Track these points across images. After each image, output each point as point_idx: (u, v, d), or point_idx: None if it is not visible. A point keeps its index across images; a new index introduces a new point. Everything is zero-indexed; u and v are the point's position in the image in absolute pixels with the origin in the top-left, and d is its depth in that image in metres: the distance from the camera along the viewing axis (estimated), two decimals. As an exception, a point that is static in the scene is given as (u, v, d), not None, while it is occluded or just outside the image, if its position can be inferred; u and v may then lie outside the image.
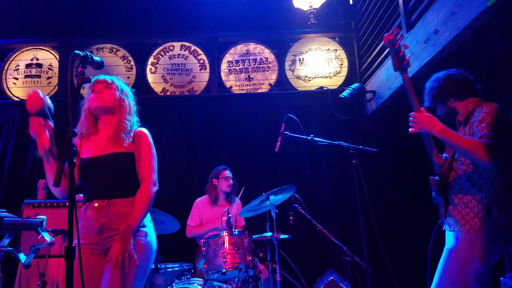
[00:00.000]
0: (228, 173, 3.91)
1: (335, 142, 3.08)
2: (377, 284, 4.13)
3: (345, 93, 4.56)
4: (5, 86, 4.98)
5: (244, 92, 5.04)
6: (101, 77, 2.18)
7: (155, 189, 2.08)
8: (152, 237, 2.07)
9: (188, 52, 5.16)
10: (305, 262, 4.21)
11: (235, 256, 3.01)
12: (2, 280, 3.51)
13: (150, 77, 5.04)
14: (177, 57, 5.14)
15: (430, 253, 2.39)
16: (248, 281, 3.25)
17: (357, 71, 5.09)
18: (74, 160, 1.62)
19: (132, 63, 5.08)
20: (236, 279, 3.17)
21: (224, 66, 5.13)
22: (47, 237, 2.02)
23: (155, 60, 5.11)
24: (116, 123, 2.12)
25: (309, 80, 5.14)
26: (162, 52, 5.15)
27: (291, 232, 3.42)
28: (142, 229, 2.01)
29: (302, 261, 4.11)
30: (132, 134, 2.14)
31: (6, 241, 1.95)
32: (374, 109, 4.57)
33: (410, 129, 2.22)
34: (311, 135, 3.19)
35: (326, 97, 4.77)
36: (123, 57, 5.10)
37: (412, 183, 4.29)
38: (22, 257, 1.95)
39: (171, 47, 5.16)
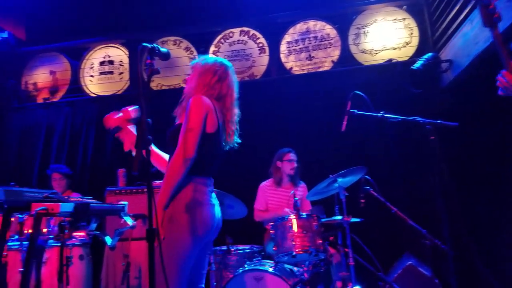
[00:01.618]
0: (292, 155, 3.87)
1: (409, 118, 2.83)
2: (461, 269, 3.83)
3: (417, 64, 4.21)
4: (83, 83, 5.35)
5: (305, 72, 4.89)
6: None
7: (181, 159, 1.92)
8: (185, 212, 1.94)
9: (247, 37, 5.13)
10: (379, 246, 4.01)
11: (304, 239, 3.00)
12: (92, 260, 3.85)
13: (212, 66, 5.09)
14: (237, 43, 5.13)
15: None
16: (319, 264, 3.23)
17: (429, 39, 4.68)
18: (149, 149, 1.68)
19: (195, 53, 5.17)
20: (307, 262, 3.16)
21: (283, 47, 5.02)
22: (129, 221, 2.12)
23: (216, 49, 5.15)
24: None
25: (376, 54, 4.84)
26: (222, 40, 5.17)
27: (362, 215, 3.28)
28: (174, 202, 1.95)
29: (375, 245, 3.91)
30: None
31: (93, 225, 2.08)
32: (451, 80, 4.17)
33: (499, 92, 1.95)
34: (381, 112, 2.97)
35: (395, 70, 4.46)
36: (186, 48, 5.22)
37: (497, 160, 3.88)
38: (108, 240, 2.07)
39: (231, 34, 5.17)
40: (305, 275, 3.09)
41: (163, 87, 5.10)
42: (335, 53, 4.89)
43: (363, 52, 4.87)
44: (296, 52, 5.00)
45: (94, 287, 3.81)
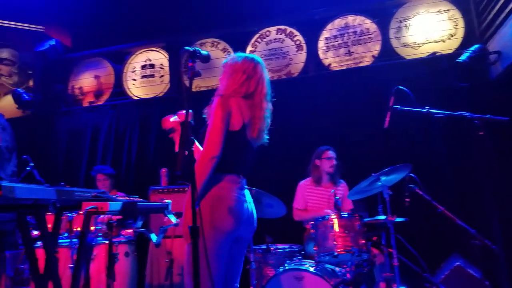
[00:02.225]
0: (331, 153, 3.80)
1: (456, 113, 2.68)
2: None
3: (463, 56, 4.02)
4: (126, 87, 5.53)
5: (344, 68, 4.80)
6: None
7: (206, 158, 1.93)
8: (210, 208, 1.96)
9: (284, 35, 5.10)
10: (425, 246, 3.88)
11: (346, 239, 2.94)
12: (137, 257, 3.97)
13: (249, 65, 5.11)
14: (274, 42, 5.12)
15: None
16: (362, 265, 3.15)
17: (476, 30, 4.45)
18: (192, 148, 1.70)
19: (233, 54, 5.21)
20: (349, 262, 3.11)
21: (321, 43, 4.95)
22: (173, 219, 2.16)
23: (253, 48, 5.16)
24: None
25: (419, 47, 4.66)
26: (259, 39, 5.18)
27: (407, 214, 3.17)
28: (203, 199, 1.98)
29: (421, 245, 3.78)
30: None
31: (139, 223, 2.15)
32: (500, 72, 3.95)
33: None
34: (426, 107, 2.85)
35: (440, 64, 4.29)
36: (224, 50, 5.27)
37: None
38: (153, 237, 2.13)
39: (267, 33, 5.16)
40: (347, 276, 3.03)
41: (201, 89, 5.17)
42: (376, 48, 4.76)
43: (405, 45, 4.71)
44: (335, 48, 4.92)
45: (139, 283, 3.92)
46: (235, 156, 2.08)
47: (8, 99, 5.58)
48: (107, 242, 3.51)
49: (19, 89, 5.50)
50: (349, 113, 4.44)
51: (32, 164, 3.75)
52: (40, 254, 1.87)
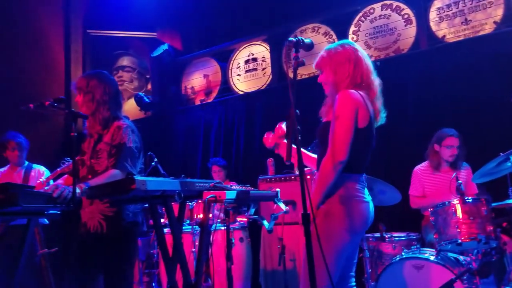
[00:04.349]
0: (454, 140, 3.41)
1: None
2: None
3: None
4: (231, 83, 5.80)
5: (461, 38, 4.35)
6: None
7: (332, 162, 1.87)
8: (342, 209, 1.93)
9: (390, 10, 4.82)
10: None
11: (471, 226, 2.75)
12: (250, 242, 4.17)
13: (352, 47, 4.95)
14: (379, 19, 4.87)
15: None
16: (490, 253, 2.92)
17: None
18: (300, 138, 1.74)
19: (334, 37, 5.10)
20: (475, 251, 2.88)
21: (433, 15, 4.55)
22: (283, 206, 2.22)
23: (356, 28, 4.98)
24: None
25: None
26: (362, 18, 4.98)
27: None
28: (330, 200, 1.96)
29: None
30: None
31: (252, 210, 2.28)
32: None
33: None
34: None
35: None
36: (325, 34, 5.18)
37: None
38: (266, 223, 2.22)
39: (371, 10, 4.93)
40: (473, 265, 2.79)
41: (303, 76, 5.16)
42: (498, 13, 4.20)
43: (535, 5, 4.08)
44: (449, 18, 4.48)
45: (254, 267, 4.12)
46: (362, 155, 2.01)
47: (131, 103, 6.22)
48: (223, 228, 3.77)
49: (140, 93, 6.14)
50: (469, 88, 3.99)
51: (156, 159, 4.19)
52: (168, 239, 2.09)
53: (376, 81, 2.08)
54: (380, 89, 2.09)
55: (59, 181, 2.38)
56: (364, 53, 2.11)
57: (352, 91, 1.96)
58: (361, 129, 1.95)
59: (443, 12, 4.51)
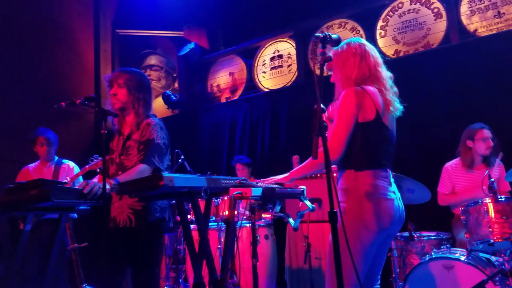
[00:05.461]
0: (486, 132, 3.33)
1: None
2: None
3: None
4: (257, 80, 5.81)
5: (494, 32, 4.20)
6: None
7: (331, 156, 1.83)
8: (359, 207, 1.93)
9: (419, 4, 4.71)
10: None
11: (504, 225, 2.65)
12: (275, 240, 4.16)
13: (380, 42, 4.87)
14: (408, 13, 4.77)
15: None
16: None
17: None
18: (326, 134, 1.73)
19: (362, 32, 5.02)
20: (508, 251, 2.77)
21: (464, 8, 4.42)
22: (309, 204, 2.20)
23: (384, 23, 4.89)
24: None
25: None
26: (390, 13, 4.88)
27: None
28: (347, 196, 1.98)
29: None
30: None
31: (278, 207, 2.27)
32: None
33: None
34: None
35: None
36: (352, 29, 5.11)
37: None
38: (291, 221, 2.21)
39: (400, 5, 4.83)
40: (506, 265, 2.69)
41: (330, 73, 5.08)
42: (533, 4, 4.04)
43: None
44: (481, 11, 4.33)
45: (280, 264, 4.11)
46: (378, 149, 1.99)
47: (159, 101, 6.32)
48: (248, 225, 3.78)
49: (168, 91, 6.24)
50: (503, 83, 3.85)
51: (182, 156, 4.24)
52: (194, 236, 2.11)
53: (385, 73, 2.10)
54: (391, 81, 2.11)
55: (94, 179, 2.44)
56: (371, 47, 2.13)
57: (354, 88, 1.99)
58: (368, 122, 1.96)
59: (475, 5, 4.37)
